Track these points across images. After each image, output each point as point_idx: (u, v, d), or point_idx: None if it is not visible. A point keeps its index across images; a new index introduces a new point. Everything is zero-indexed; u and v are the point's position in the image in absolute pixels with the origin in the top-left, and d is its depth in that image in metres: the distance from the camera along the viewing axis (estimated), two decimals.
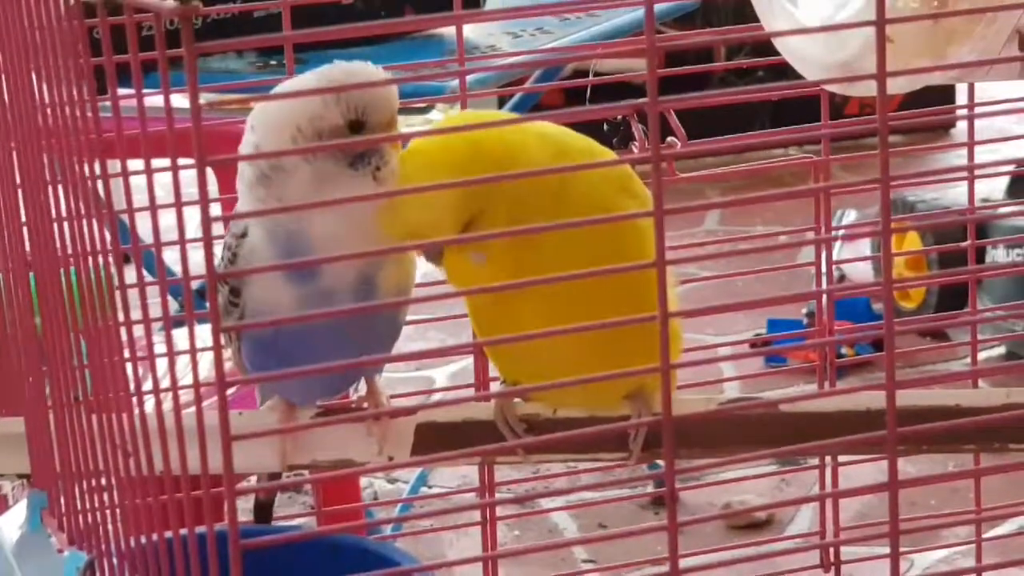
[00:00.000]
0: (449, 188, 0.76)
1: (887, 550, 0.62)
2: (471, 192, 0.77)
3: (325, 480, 1.05)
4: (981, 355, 2.52)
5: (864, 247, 2.51)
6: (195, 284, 0.67)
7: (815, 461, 1.16)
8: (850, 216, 2.60)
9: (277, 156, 0.81)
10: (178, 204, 0.63)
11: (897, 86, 0.80)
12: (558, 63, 1.60)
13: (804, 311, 2.45)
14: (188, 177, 0.61)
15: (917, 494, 1.90)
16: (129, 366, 0.72)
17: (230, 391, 0.60)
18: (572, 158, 0.81)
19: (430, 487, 2.12)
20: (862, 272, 2.54)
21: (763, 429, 0.83)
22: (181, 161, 0.61)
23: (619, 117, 0.91)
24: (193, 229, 0.70)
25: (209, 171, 0.64)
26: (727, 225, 3.12)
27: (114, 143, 0.68)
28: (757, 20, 0.93)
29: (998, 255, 2.44)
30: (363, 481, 2.15)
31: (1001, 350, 2.41)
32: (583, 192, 0.80)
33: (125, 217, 0.74)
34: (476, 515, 1.08)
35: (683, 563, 0.59)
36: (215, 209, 1.06)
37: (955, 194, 2.51)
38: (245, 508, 0.99)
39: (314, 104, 0.80)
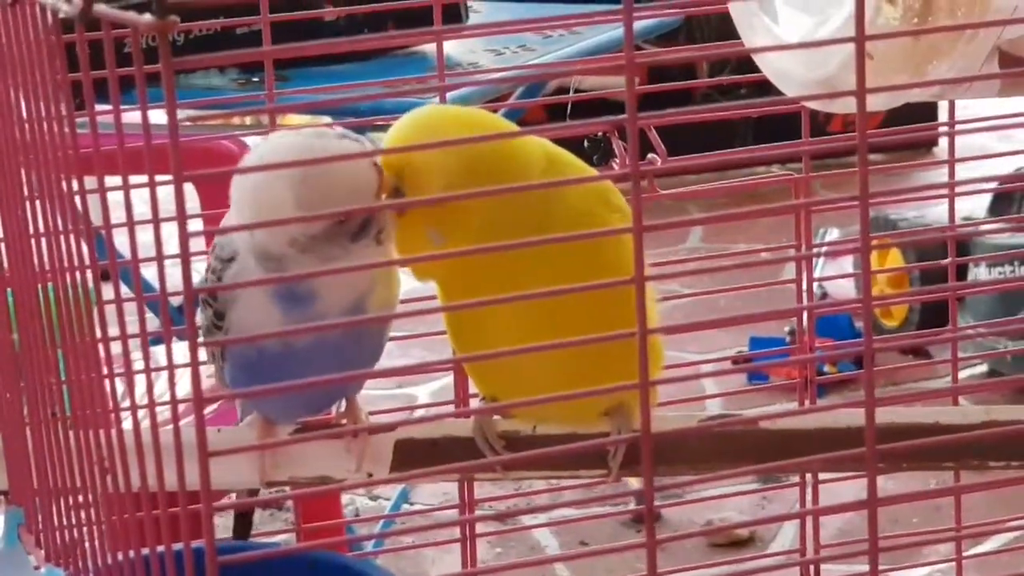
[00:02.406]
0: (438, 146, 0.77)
1: (867, 568, 0.62)
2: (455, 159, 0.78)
3: (305, 497, 1.04)
4: (963, 373, 2.53)
5: (847, 265, 2.52)
6: (176, 301, 0.67)
7: (797, 479, 1.16)
8: (832, 234, 2.61)
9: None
10: (155, 219, 0.63)
11: (877, 103, 0.80)
12: (540, 79, 1.60)
13: (786, 329, 2.46)
14: (167, 193, 0.61)
15: (900, 512, 1.90)
16: (107, 382, 0.72)
17: (211, 408, 0.60)
18: (559, 167, 0.81)
19: (411, 504, 2.12)
20: (844, 290, 2.54)
21: (744, 446, 0.83)
22: (159, 177, 0.61)
23: (600, 134, 0.92)
24: (172, 246, 0.70)
25: (190, 187, 0.64)
26: (709, 243, 3.12)
27: (91, 158, 0.68)
28: (740, 38, 0.93)
29: (980, 273, 2.45)
30: (344, 498, 2.15)
31: (983, 368, 2.42)
32: (567, 203, 0.80)
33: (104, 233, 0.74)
34: (457, 532, 1.08)
35: None
36: (194, 225, 1.06)
37: (937, 212, 2.52)
38: (224, 525, 0.98)
39: (295, 206, 0.79)
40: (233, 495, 0.86)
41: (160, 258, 0.63)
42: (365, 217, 0.80)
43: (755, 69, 0.93)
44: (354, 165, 0.79)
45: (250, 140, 1.89)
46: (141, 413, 0.70)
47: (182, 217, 0.58)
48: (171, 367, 0.63)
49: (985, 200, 2.56)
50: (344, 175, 0.79)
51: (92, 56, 0.65)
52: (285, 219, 0.76)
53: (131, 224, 0.66)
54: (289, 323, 0.82)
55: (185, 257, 0.58)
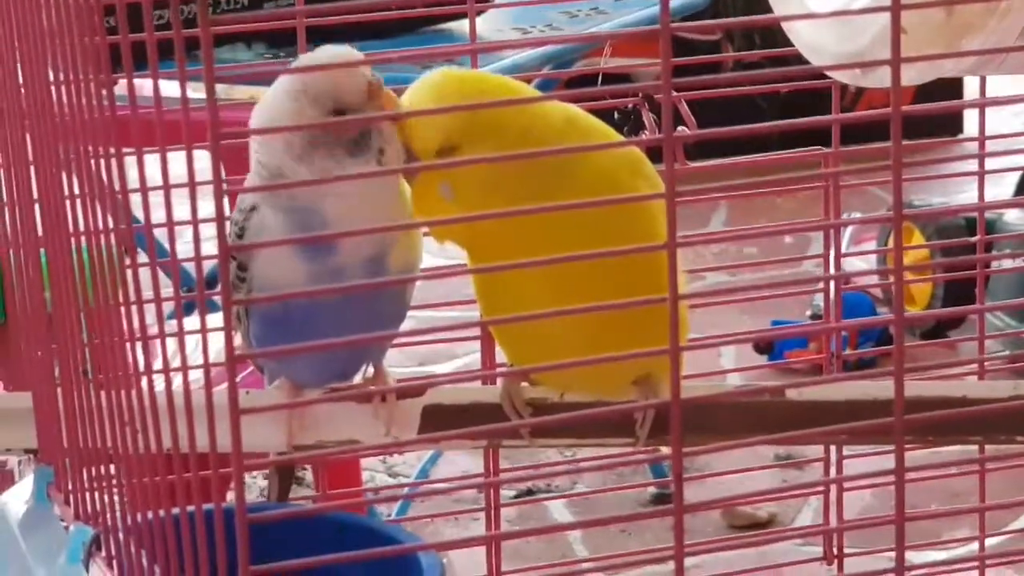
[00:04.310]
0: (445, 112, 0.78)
1: (887, 555, 0.62)
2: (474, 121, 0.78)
3: (327, 463, 1.05)
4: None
5: (870, 256, 2.52)
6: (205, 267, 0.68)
7: (819, 457, 1.17)
8: (855, 216, 2.61)
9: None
10: (192, 183, 0.64)
11: (910, 77, 0.81)
12: (577, 40, 1.60)
13: (808, 313, 2.46)
14: (198, 166, 0.62)
15: (918, 497, 1.90)
16: (140, 344, 0.73)
17: (241, 375, 0.61)
18: (586, 131, 0.81)
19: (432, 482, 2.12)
20: (867, 280, 2.55)
21: (769, 416, 0.84)
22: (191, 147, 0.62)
23: (630, 105, 0.92)
24: (202, 213, 0.71)
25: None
26: (733, 226, 3.12)
27: (127, 124, 0.68)
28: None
29: (1005, 265, 2.44)
30: (364, 475, 2.16)
31: (1006, 353, 2.42)
32: (596, 169, 0.80)
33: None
34: (478, 507, 1.09)
35: (688, 560, 0.59)
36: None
37: (962, 200, 2.52)
38: (254, 486, 0.98)
39: (292, 114, 0.82)
40: (272, 455, 0.88)
41: (195, 221, 0.64)
42: (361, 129, 0.81)
43: (783, 46, 0.94)
44: (345, 71, 0.81)
45: None
46: (172, 374, 0.71)
47: (218, 180, 0.58)
48: (204, 330, 0.64)
49: (1009, 189, 2.56)
50: (335, 78, 0.81)
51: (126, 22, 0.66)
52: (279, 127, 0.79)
53: (167, 187, 0.66)
54: (311, 272, 0.83)
55: (220, 218, 0.59)
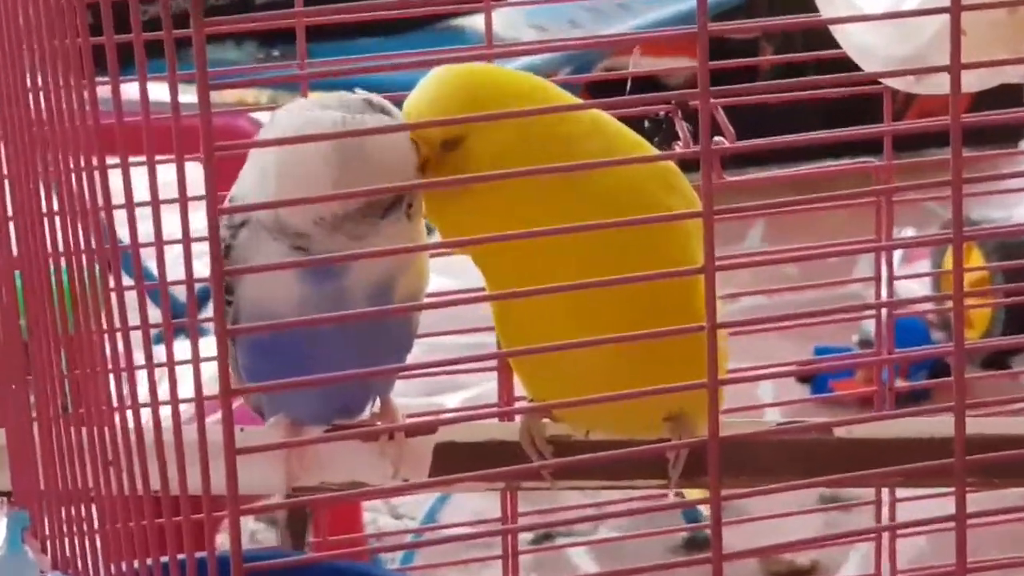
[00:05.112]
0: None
1: None
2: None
3: (326, 507, 1.05)
4: None
5: (923, 270, 2.52)
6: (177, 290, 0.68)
7: (869, 500, 1.16)
8: (908, 234, 2.61)
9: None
10: (183, 198, 0.64)
11: (970, 83, 0.81)
12: (601, 45, 1.60)
13: (855, 339, 2.46)
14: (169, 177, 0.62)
15: (979, 544, 1.90)
16: (124, 375, 0.73)
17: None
18: (608, 136, 0.82)
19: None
20: (921, 305, 2.55)
21: (815, 456, 0.84)
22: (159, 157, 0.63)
23: (661, 113, 0.92)
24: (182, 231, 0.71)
25: (197, 167, 0.65)
26: (770, 244, 3.12)
27: (112, 133, 0.69)
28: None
29: None
30: (366, 516, 2.16)
31: None
32: (623, 180, 0.81)
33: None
34: (493, 553, 1.08)
35: None
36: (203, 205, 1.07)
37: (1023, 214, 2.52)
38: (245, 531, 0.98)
39: (328, 186, 0.81)
40: (275, 497, 0.88)
41: (187, 241, 0.64)
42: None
43: (826, 48, 0.94)
44: (393, 140, 0.81)
45: (266, 120, 1.90)
46: (147, 410, 0.71)
47: (212, 196, 0.59)
48: (196, 359, 0.64)
49: None
50: (384, 152, 0.81)
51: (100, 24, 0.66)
52: (322, 197, 0.78)
53: (156, 203, 0.67)
54: (308, 297, 0.83)
55: (214, 237, 0.59)
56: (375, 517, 2.23)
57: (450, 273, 0.98)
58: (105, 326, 0.72)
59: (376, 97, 0.84)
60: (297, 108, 0.86)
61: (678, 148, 0.91)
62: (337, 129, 0.81)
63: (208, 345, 0.74)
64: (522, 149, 0.80)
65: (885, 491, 1.11)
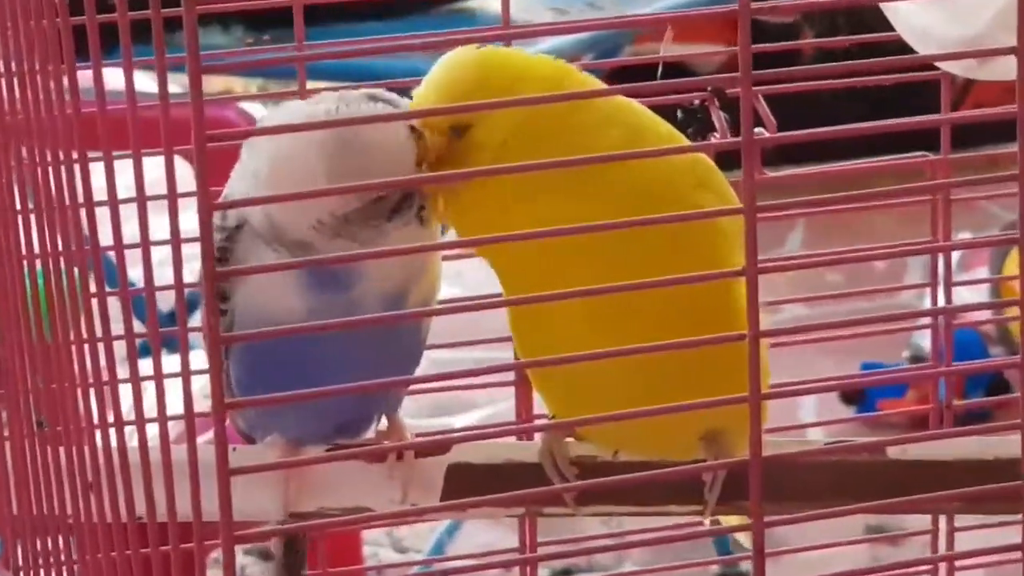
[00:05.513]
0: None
1: None
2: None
3: (325, 536, 1.05)
4: None
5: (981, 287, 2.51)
6: (167, 299, 0.68)
7: (924, 529, 1.16)
8: (964, 237, 2.61)
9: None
10: (172, 195, 0.64)
11: None
12: (628, 25, 1.60)
13: (906, 355, 2.45)
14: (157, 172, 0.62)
15: None
16: (105, 389, 0.73)
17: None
18: (634, 125, 0.82)
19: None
20: (977, 314, 2.54)
21: (865, 479, 0.84)
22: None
23: (696, 102, 0.92)
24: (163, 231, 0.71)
25: (182, 162, 0.65)
26: (812, 247, 3.12)
27: (93, 123, 0.69)
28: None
29: None
30: (366, 550, 2.16)
31: None
32: (653, 181, 0.80)
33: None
34: None
35: None
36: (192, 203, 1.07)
37: None
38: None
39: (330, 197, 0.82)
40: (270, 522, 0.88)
41: (176, 242, 0.64)
42: (403, 192, 0.82)
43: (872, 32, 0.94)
44: (391, 130, 0.81)
45: (256, 111, 1.91)
46: (131, 428, 0.71)
47: (204, 189, 0.59)
48: (186, 372, 0.64)
49: None
50: (382, 142, 0.81)
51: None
52: (317, 192, 0.78)
53: (141, 200, 0.67)
54: (314, 308, 0.84)
55: (206, 237, 0.59)
56: (376, 551, 2.23)
57: (461, 283, 0.98)
58: (85, 335, 0.72)
59: (380, 91, 0.84)
60: (295, 106, 0.87)
61: (714, 140, 0.91)
62: (331, 118, 0.81)
63: (199, 357, 0.75)
64: (528, 139, 0.80)
65: (942, 519, 1.11)
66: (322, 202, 0.82)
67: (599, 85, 0.86)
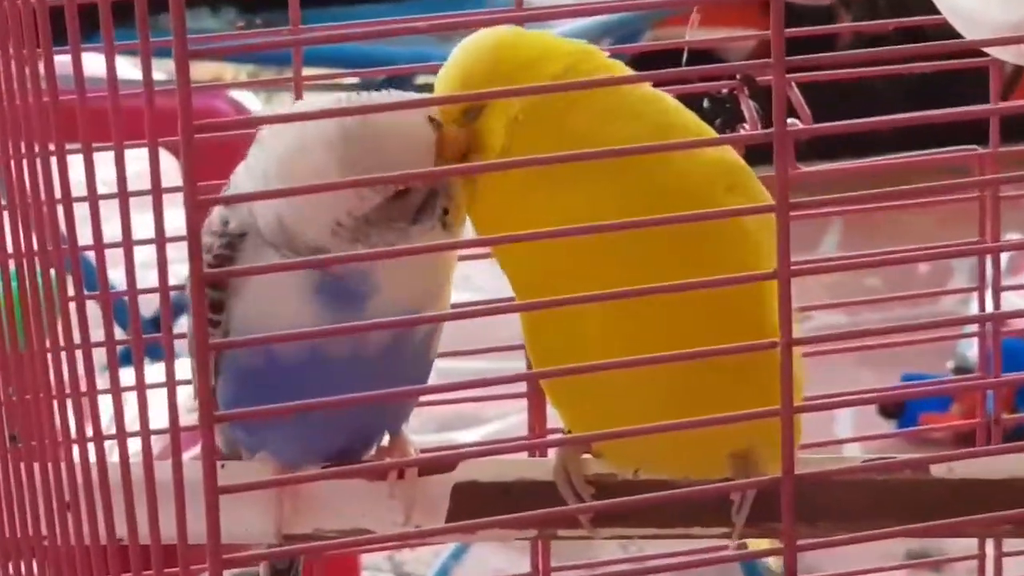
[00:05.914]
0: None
1: None
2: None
3: (321, 559, 1.06)
4: None
5: None
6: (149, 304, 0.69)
7: (968, 552, 1.16)
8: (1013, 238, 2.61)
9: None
10: (157, 190, 0.64)
11: None
12: (652, 6, 1.60)
13: (950, 365, 2.45)
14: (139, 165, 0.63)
15: None
16: (83, 400, 0.73)
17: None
18: (667, 132, 0.82)
19: None
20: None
21: (906, 499, 0.84)
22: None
23: (724, 91, 0.92)
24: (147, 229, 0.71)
25: (168, 156, 0.66)
26: (849, 248, 3.12)
27: (72, 112, 0.69)
28: None
29: None
30: (365, 575, 2.16)
31: None
32: (680, 173, 0.81)
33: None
34: None
35: None
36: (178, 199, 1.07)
37: None
38: None
39: (341, 196, 0.83)
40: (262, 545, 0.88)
41: (161, 241, 0.64)
42: (428, 190, 0.82)
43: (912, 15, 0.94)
44: (408, 119, 0.82)
45: (247, 100, 1.92)
46: (112, 442, 0.71)
47: (192, 184, 0.59)
48: (172, 382, 0.65)
49: None
50: (398, 129, 0.82)
51: None
52: (326, 185, 0.78)
53: (124, 196, 0.67)
54: (320, 323, 0.83)
55: (193, 236, 0.59)
56: None
57: (470, 287, 0.98)
58: (62, 342, 0.72)
59: (392, 91, 0.85)
60: (307, 102, 0.88)
61: (744, 131, 0.91)
62: (341, 107, 0.82)
63: (185, 366, 0.75)
64: (537, 127, 0.80)
65: (989, 543, 1.11)
66: (339, 200, 0.82)
67: (624, 69, 0.86)
